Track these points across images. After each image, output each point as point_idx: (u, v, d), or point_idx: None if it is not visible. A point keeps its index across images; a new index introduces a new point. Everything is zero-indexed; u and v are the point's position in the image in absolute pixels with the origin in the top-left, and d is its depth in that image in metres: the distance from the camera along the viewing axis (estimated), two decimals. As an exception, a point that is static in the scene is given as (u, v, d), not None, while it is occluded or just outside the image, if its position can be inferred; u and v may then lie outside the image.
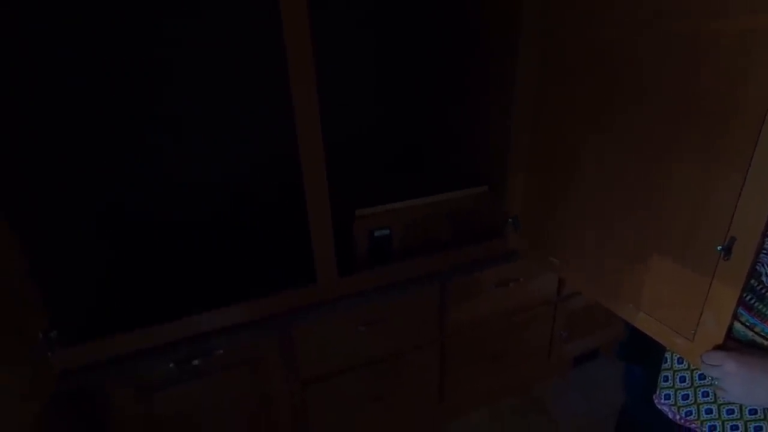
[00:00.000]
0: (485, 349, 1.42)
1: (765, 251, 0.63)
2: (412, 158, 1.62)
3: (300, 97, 0.87)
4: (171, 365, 0.97)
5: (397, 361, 1.28)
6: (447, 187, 1.21)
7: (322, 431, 1.25)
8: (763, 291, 0.63)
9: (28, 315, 0.79)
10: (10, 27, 0.84)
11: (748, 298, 0.65)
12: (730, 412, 0.71)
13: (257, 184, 1.39)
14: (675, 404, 0.76)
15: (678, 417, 0.76)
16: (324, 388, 1.20)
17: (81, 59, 1.11)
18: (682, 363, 0.77)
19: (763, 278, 0.63)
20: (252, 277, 1.12)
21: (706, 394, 0.73)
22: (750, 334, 0.66)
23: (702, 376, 0.74)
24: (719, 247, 0.67)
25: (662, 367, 0.79)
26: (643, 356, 0.89)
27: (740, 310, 0.66)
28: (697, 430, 0.75)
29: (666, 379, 0.78)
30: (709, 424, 0.73)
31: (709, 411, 0.73)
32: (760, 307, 0.64)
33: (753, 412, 0.69)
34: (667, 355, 0.79)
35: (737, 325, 0.68)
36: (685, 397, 0.75)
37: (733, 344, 0.68)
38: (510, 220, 1.20)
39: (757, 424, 0.69)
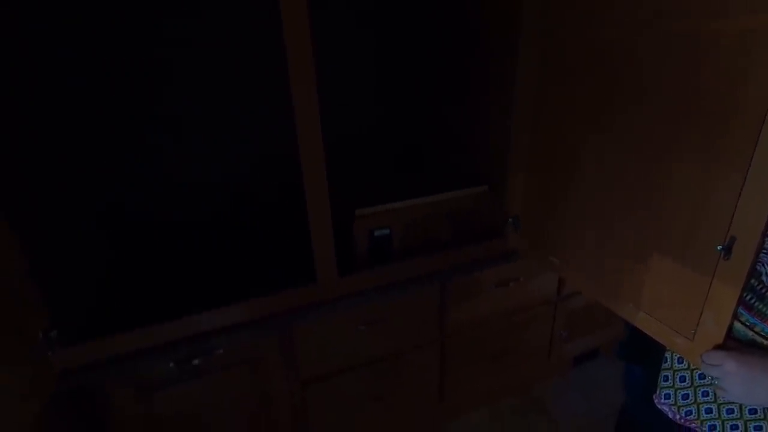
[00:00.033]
0: (485, 349, 1.42)
1: (765, 251, 0.63)
2: (412, 158, 1.62)
3: (300, 97, 0.87)
4: (171, 365, 0.97)
5: (397, 360, 1.28)
6: (447, 187, 1.21)
7: (322, 431, 1.25)
8: (763, 291, 0.63)
9: (28, 315, 0.79)
10: (10, 27, 0.84)
11: (749, 297, 0.65)
12: (730, 411, 0.71)
13: (257, 184, 1.39)
14: (675, 404, 0.76)
15: (678, 416, 0.76)
16: (324, 388, 1.20)
17: (81, 59, 1.11)
18: (682, 362, 0.77)
19: (764, 278, 0.63)
20: (252, 276, 1.12)
21: (706, 394, 0.73)
22: (750, 333, 0.66)
23: (702, 376, 0.74)
24: (719, 247, 0.67)
25: (662, 367, 0.79)
26: (643, 356, 0.89)
27: (740, 309, 0.67)
28: (697, 429, 0.75)
29: (666, 378, 0.78)
30: (709, 423, 0.73)
31: (709, 410, 0.73)
32: (761, 306, 0.64)
33: (753, 411, 0.69)
34: (667, 354, 0.79)
35: (737, 325, 0.68)
36: (685, 396, 0.75)
37: (733, 344, 0.68)
38: (510, 219, 1.20)
39: (757, 424, 0.69)
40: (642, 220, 0.81)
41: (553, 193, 1.04)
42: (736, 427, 0.71)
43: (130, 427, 1.00)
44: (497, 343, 1.43)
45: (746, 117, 0.61)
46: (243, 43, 1.23)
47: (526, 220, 1.17)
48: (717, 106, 0.65)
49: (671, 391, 0.77)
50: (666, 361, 0.79)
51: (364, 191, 1.24)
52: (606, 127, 0.85)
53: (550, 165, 1.03)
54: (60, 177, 0.99)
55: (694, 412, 0.74)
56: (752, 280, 0.64)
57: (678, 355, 0.77)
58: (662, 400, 0.78)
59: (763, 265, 0.63)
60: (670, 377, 0.78)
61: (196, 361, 0.98)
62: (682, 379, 0.76)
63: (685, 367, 0.76)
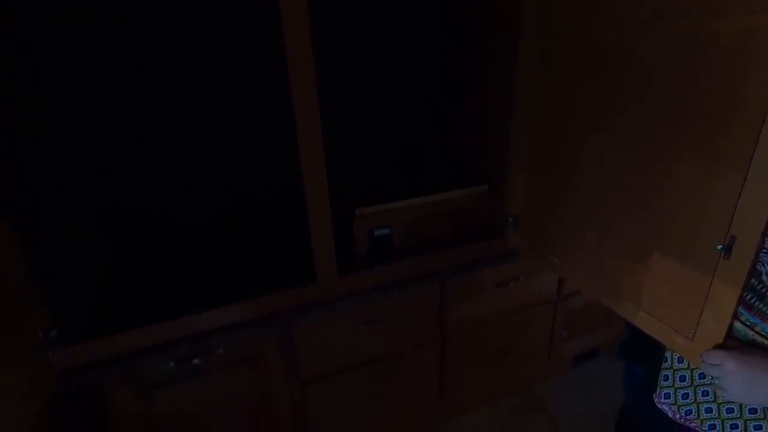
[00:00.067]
0: (485, 349, 1.42)
1: (765, 250, 0.63)
2: (413, 157, 1.62)
3: (300, 97, 0.87)
4: (171, 364, 0.97)
5: (397, 360, 1.28)
6: (447, 187, 1.21)
7: (322, 430, 1.26)
8: (763, 290, 0.63)
9: (28, 314, 0.79)
10: (9, 26, 0.84)
11: (749, 297, 0.65)
12: (730, 411, 0.71)
13: (257, 184, 1.39)
14: (675, 403, 0.76)
15: (678, 416, 0.76)
16: (324, 387, 1.20)
17: (81, 59, 1.11)
18: (682, 362, 0.77)
19: (764, 277, 0.63)
20: (252, 276, 1.12)
21: (706, 393, 0.73)
22: (750, 333, 0.66)
23: (702, 375, 0.74)
24: (719, 247, 0.67)
25: (662, 366, 0.79)
26: (643, 355, 0.89)
27: (740, 309, 0.67)
28: (697, 428, 0.75)
29: (666, 378, 0.78)
30: (708, 423, 0.73)
31: (708, 410, 0.73)
32: (761, 306, 0.64)
33: (753, 411, 0.69)
34: (667, 354, 0.79)
35: (737, 325, 0.68)
36: (685, 396, 0.75)
37: (733, 343, 0.68)
38: (510, 219, 1.20)
39: (756, 423, 0.69)
40: (642, 220, 0.81)
41: (553, 192, 1.04)
42: (736, 426, 0.71)
43: (130, 426, 1.00)
44: (497, 342, 1.43)
45: (746, 117, 0.61)
46: (243, 43, 1.23)
47: (526, 219, 1.17)
48: (717, 106, 0.65)
49: (671, 391, 0.77)
50: (666, 361, 0.79)
51: (365, 191, 1.24)
52: (606, 127, 0.85)
53: (550, 165, 1.03)
54: (60, 177, 0.99)
55: (694, 411, 0.74)
56: (752, 280, 0.64)
57: (678, 355, 0.77)
58: (662, 400, 0.78)
59: (763, 264, 0.63)
60: (670, 376, 0.78)
61: (196, 361, 0.98)
62: (682, 378, 0.76)
63: (685, 366, 0.76)
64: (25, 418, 0.73)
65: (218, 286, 1.08)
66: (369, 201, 1.12)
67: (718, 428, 0.72)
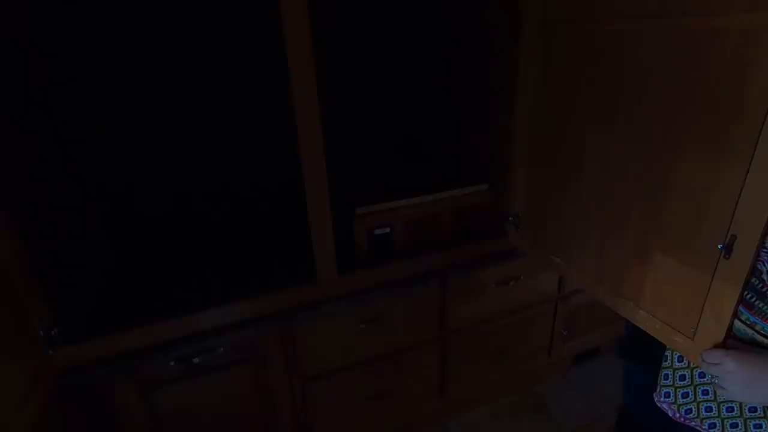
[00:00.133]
0: (486, 347, 1.42)
1: (766, 249, 0.63)
2: (413, 156, 1.62)
3: (300, 96, 0.87)
4: (172, 363, 0.98)
5: (397, 358, 1.28)
6: (448, 185, 1.21)
7: (322, 428, 1.26)
8: (763, 289, 0.63)
9: (29, 313, 0.79)
10: (9, 26, 0.84)
11: (749, 296, 0.65)
12: (730, 409, 0.71)
13: (258, 183, 1.39)
14: (675, 402, 0.76)
15: (678, 415, 0.76)
16: (324, 386, 1.20)
17: (80, 58, 1.11)
18: (682, 361, 0.77)
19: (764, 276, 0.63)
20: (253, 275, 1.12)
21: (705, 392, 0.73)
22: (750, 332, 0.66)
23: (702, 375, 0.74)
24: (720, 246, 0.67)
25: (662, 365, 0.79)
26: (643, 354, 0.89)
27: (741, 308, 0.66)
28: (697, 427, 0.75)
29: (666, 377, 0.78)
30: (708, 421, 0.73)
31: (708, 409, 0.73)
32: (761, 305, 0.64)
33: (753, 409, 0.69)
34: (667, 353, 0.79)
35: (738, 324, 0.68)
36: (685, 395, 0.75)
37: (733, 342, 0.68)
38: (511, 218, 1.20)
39: (756, 422, 0.69)
40: (643, 219, 0.81)
41: (554, 191, 1.03)
42: (736, 425, 0.71)
43: (131, 425, 1.01)
44: (498, 341, 1.43)
45: (747, 116, 0.61)
46: (243, 43, 1.23)
47: (528, 218, 1.17)
48: (718, 105, 0.65)
49: (671, 390, 0.77)
50: (666, 360, 0.79)
51: (365, 189, 1.24)
52: (607, 126, 0.85)
53: (551, 163, 1.03)
54: (60, 176, 0.99)
55: (694, 410, 0.74)
56: (753, 279, 0.64)
57: (678, 354, 0.77)
58: (662, 399, 0.78)
59: (763, 263, 0.63)
60: (670, 376, 0.78)
61: (196, 359, 0.98)
62: (682, 377, 0.76)
63: (685, 365, 0.76)
64: (26, 418, 0.73)
65: (219, 285, 1.08)
66: (369, 200, 1.12)
67: (718, 427, 0.72)
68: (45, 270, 0.80)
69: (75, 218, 1.02)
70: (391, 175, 1.43)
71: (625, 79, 0.79)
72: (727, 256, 0.66)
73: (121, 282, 1.12)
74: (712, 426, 0.73)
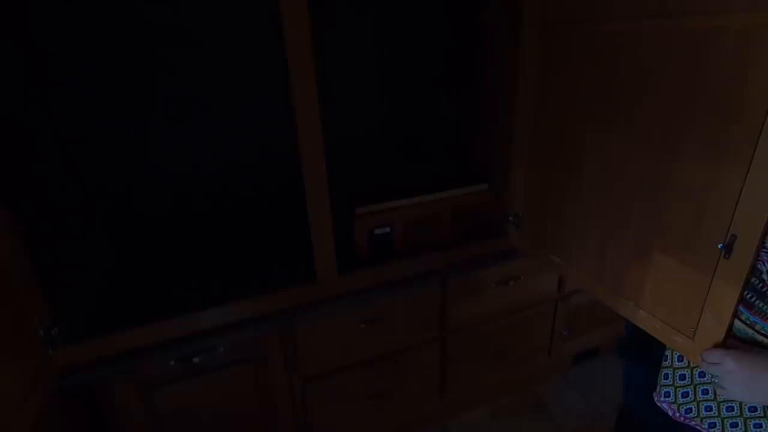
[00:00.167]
0: (486, 347, 1.42)
1: (766, 249, 0.63)
2: (413, 156, 1.62)
3: (300, 97, 0.87)
4: (172, 362, 0.98)
5: (397, 358, 1.28)
6: (448, 185, 1.21)
7: (322, 428, 1.26)
8: (763, 289, 0.63)
9: (29, 313, 0.79)
10: (9, 26, 0.84)
11: (749, 296, 0.65)
12: (730, 409, 0.71)
13: (258, 183, 1.39)
14: (675, 402, 0.76)
15: (678, 414, 0.76)
16: (325, 385, 1.20)
17: (80, 58, 1.11)
18: (682, 361, 0.77)
19: (764, 276, 0.63)
20: (253, 275, 1.12)
21: (705, 392, 0.73)
22: (750, 332, 0.66)
23: (702, 374, 0.74)
24: (720, 245, 0.67)
25: (662, 365, 0.79)
26: (643, 354, 0.89)
27: (741, 308, 0.66)
28: (697, 427, 0.75)
29: (666, 376, 0.78)
30: (708, 421, 0.73)
31: (708, 408, 0.73)
32: (761, 305, 0.64)
33: (753, 409, 0.69)
34: (667, 352, 0.79)
35: (738, 323, 0.68)
36: (685, 394, 0.75)
37: (733, 342, 0.68)
38: (511, 218, 1.20)
39: (756, 422, 0.69)
40: (643, 219, 0.81)
41: (554, 191, 1.03)
42: (736, 424, 0.71)
43: (131, 425, 1.01)
44: (498, 341, 1.43)
45: (747, 116, 0.61)
46: (243, 43, 1.23)
47: (528, 218, 1.17)
48: (718, 104, 0.65)
49: (671, 389, 0.77)
50: (666, 359, 0.79)
51: (365, 189, 1.24)
52: (607, 126, 0.85)
53: (551, 163, 1.03)
54: (60, 176, 0.99)
55: (694, 410, 0.75)
56: (753, 279, 0.64)
57: (678, 353, 0.77)
58: (662, 398, 0.78)
59: (763, 263, 0.63)
60: (670, 375, 0.78)
61: (197, 359, 0.98)
62: (682, 377, 0.76)
63: (685, 365, 0.76)
64: (26, 418, 0.73)
65: (219, 285, 1.08)
66: (369, 200, 1.12)
67: (718, 427, 0.72)
68: (45, 270, 0.80)
69: (75, 218, 1.02)
70: (391, 175, 1.43)
71: (625, 79, 0.79)
72: (727, 256, 0.66)
73: (121, 282, 1.12)
74: (712, 425, 0.73)
